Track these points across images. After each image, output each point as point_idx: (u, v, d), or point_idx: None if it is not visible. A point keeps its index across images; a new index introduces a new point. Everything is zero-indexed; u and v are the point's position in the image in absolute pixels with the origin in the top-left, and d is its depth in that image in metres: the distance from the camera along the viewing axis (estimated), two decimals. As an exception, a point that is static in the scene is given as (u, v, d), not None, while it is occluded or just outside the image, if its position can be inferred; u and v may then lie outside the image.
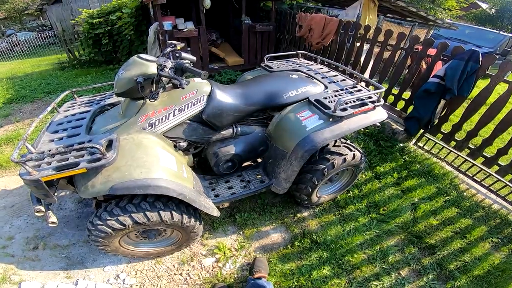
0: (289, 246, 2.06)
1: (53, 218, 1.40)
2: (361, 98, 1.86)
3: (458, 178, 2.68)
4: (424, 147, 3.05)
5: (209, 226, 2.18)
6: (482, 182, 2.59)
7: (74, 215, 2.28)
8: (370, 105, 1.80)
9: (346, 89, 2.00)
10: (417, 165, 2.80)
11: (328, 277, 1.85)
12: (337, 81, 2.13)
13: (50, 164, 1.27)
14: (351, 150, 1.98)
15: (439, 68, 2.72)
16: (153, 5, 4.12)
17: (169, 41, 1.82)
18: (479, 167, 2.59)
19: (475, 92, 2.56)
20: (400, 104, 3.26)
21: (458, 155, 2.75)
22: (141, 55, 1.52)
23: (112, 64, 6.38)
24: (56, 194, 1.40)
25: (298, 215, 2.30)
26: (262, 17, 5.60)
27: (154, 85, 1.52)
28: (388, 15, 5.74)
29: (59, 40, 6.76)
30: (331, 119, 1.69)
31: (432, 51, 2.84)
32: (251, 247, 2.07)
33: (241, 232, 2.17)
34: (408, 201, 2.43)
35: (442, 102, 2.71)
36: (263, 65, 2.47)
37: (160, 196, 1.52)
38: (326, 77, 2.18)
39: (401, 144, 3.08)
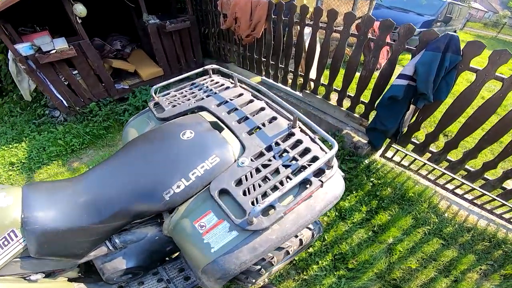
0: None
1: None
2: (302, 166, 1.09)
3: (437, 194, 2.20)
4: (393, 158, 2.40)
5: None
6: (465, 196, 2.19)
7: None
8: (315, 184, 1.02)
9: (277, 143, 1.19)
10: (388, 188, 2.22)
11: None
12: (264, 124, 1.29)
13: None
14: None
15: (384, 54, 1.94)
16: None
17: None
18: (461, 181, 2.12)
19: (454, 91, 1.93)
20: (359, 108, 2.45)
21: (435, 168, 2.22)
22: None
23: (2, 96, 4.79)
24: None
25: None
26: (180, 9, 4.40)
27: None
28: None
29: None
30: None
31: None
32: None
33: None
34: (382, 245, 1.98)
35: (412, 107, 1.97)
36: (151, 105, 1.59)
37: None
38: (247, 116, 1.34)
39: (367, 161, 2.38)
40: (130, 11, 3.94)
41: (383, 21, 1.94)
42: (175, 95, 1.69)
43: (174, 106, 1.54)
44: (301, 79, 2.88)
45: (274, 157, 1.13)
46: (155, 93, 1.68)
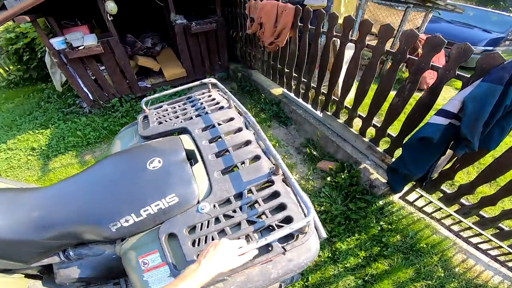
0: None
1: None
2: (269, 225, 0.91)
3: (454, 246, 1.83)
4: (415, 203, 2.00)
5: None
6: (488, 252, 1.80)
7: None
8: (276, 250, 0.86)
9: (250, 191, 1.02)
10: (397, 236, 1.88)
11: None
12: (244, 163, 1.13)
13: None
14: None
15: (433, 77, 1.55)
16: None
17: None
18: (489, 238, 1.75)
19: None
20: (384, 141, 2.06)
21: (461, 221, 1.84)
22: None
23: (47, 82, 5.30)
24: None
25: None
26: (213, 10, 4.31)
27: None
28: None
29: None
30: None
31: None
32: None
33: None
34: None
35: (449, 151, 1.55)
36: (140, 118, 1.53)
37: None
38: (227, 150, 1.20)
39: (381, 202, 2.02)
40: (163, 9, 3.97)
41: (430, 39, 1.55)
42: (167, 109, 1.60)
43: (160, 123, 1.46)
44: (323, 98, 2.54)
45: (241, 208, 0.96)
46: (146, 106, 1.60)
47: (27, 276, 1.26)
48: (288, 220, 0.91)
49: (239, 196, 1.01)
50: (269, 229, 0.91)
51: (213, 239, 0.90)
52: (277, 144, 2.76)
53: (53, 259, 1.15)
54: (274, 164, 1.08)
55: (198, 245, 0.89)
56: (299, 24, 2.51)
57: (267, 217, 0.92)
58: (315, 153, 2.49)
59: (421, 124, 1.61)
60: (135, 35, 4.29)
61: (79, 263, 1.20)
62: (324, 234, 0.97)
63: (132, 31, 4.38)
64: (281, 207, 0.95)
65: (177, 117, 1.49)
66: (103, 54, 3.24)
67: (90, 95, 3.52)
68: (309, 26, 2.41)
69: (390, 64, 1.80)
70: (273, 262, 0.86)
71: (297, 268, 0.87)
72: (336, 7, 3.17)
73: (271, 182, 1.02)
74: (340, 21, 2.17)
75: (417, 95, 1.74)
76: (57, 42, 3.03)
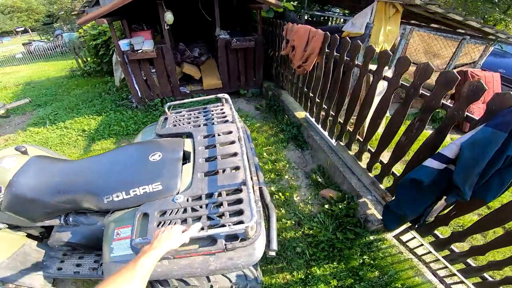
0: None
1: None
2: (222, 225, 1.03)
3: None
4: (408, 243, 1.86)
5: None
6: None
7: None
8: (218, 246, 0.99)
9: (220, 194, 1.16)
10: (376, 272, 1.78)
11: None
12: (224, 170, 1.28)
13: None
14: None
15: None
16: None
17: None
18: (471, 287, 1.59)
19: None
20: (389, 179, 1.95)
21: (447, 266, 1.70)
22: None
23: (112, 76, 6.24)
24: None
25: None
26: (255, 28, 4.59)
27: None
28: (433, 25, 4.11)
29: (68, 47, 7.04)
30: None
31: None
32: None
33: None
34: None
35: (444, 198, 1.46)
36: (161, 119, 1.82)
37: None
38: (216, 157, 1.35)
39: (372, 237, 1.92)
40: (212, 23, 4.38)
41: (443, 74, 1.46)
42: (184, 115, 1.83)
43: (174, 125, 1.68)
44: (339, 127, 2.50)
45: (207, 205, 1.10)
46: (169, 109, 1.87)
47: (28, 236, 1.52)
48: (239, 223, 1.00)
49: (210, 196, 1.14)
50: (224, 226, 1.01)
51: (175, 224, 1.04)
52: (287, 165, 2.79)
53: (55, 222, 1.40)
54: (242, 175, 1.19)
55: (162, 226, 1.03)
56: (327, 50, 2.55)
57: (225, 217, 1.04)
58: (320, 180, 2.45)
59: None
60: (188, 43, 4.81)
61: (74, 229, 1.46)
62: (274, 247, 1.05)
63: (187, 39, 4.93)
64: (239, 212, 1.06)
65: (189, 123, 1.69)
66: (156, 59, 3.71)
67: (139, 92, 4.05)
68: (334, 54, 2.43)
69: (402, 100, 1.73)
70: (216, 256, 0.98)
71: (234, 267, 0.98)
72: (374, 36, 3.11)
73: (240, 191, 1.13)
74: (377, 49, 2.13)
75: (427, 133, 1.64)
76: (123, 44, 3.58)
